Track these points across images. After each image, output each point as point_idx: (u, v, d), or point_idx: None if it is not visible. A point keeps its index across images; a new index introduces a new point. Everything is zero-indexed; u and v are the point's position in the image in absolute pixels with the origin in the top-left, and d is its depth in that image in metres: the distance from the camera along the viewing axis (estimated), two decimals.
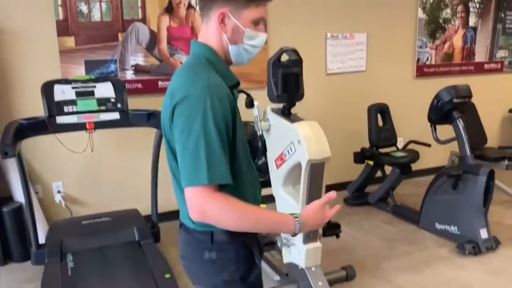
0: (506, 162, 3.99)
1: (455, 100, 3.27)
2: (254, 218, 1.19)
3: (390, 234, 3.55)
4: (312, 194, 2.50)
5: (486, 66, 5.10)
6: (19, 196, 3.17)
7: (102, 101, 2.93)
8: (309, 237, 2.58)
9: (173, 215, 3.82)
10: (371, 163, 4.04)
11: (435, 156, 4.64)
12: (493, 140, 5.07)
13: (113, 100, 2.95)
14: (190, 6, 3.68)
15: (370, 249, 3.30)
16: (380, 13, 4.44)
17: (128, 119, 2.96)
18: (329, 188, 4.35)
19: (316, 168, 2.46)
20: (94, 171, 3.57)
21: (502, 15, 5.07)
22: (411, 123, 4.57)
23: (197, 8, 3.71)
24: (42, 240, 3.04)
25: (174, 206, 4.06)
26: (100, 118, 2.90)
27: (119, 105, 2.95)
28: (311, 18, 4.16)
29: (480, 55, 5.05)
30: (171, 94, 1.21)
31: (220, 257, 1.27)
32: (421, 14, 4.62)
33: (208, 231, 1.27)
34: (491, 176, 3.16)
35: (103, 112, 2.91)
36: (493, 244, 3.20)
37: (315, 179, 2.48)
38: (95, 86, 2.95)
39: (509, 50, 5.23)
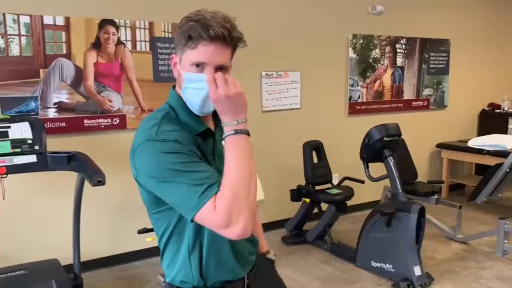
0: (436, 196, 4.11)
1: (385, 139, 3.34)
2: (246, 172, 1.14)
3: (327, 274, 3.50)
4: None
5: (413, 103, 5.35)
6: None
7: (17, 143, 2.68)
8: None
9: (97, 263, 3.57)
10: (308, 200, 4.01)
11: (369, 191, 4.71)
12: (422, 174, 5.26)
13: (29, 141, 2.70)
14: (119, 42, 3.55)
15: None
16: (314, 52, 4.54)
17: (46, 163, 2.72)
18: (267, 226, 4.30)
19: None
20: (7, 220, 3.25)
21: (426, 56, 5.37)
22: (345, 159, 4.64)
23: (128, 44, 3.59)
24: None
25: (100, 254, 3.80)
26: (14, 161, 2.63)
27: (36, 147, 2.71)
28: (246, 56, 4.15)
29: (408, 93, 5.29)
30: (133, 142, 1.23)
31: None
32: (352, 54, 4.78)
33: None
34: (422, 213, 3.22)
35: (18, 155, 2.65)
36: (427, 280, 3.23)
37: None
38: (9, 127, 2.70)
39: (433, 89, 5.53)
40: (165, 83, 3.76)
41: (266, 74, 4.26)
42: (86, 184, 2.84)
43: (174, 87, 1.31)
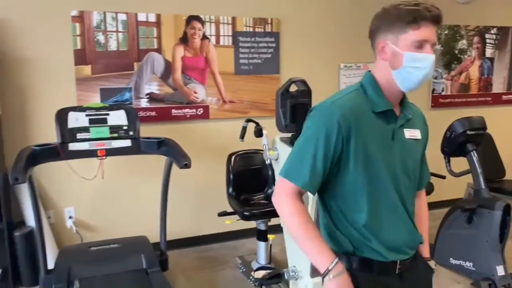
0: None
1: (468, 132, 3.22)
2: (302, 237, 1.29)
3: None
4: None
5: (504, 97, 5.03)
6: (31, 220, 3.21)
7: (115, 129, 2.98)
8: (316, 271, 2.53)
9: (182, 243, 3.84)
10: None
11: (451, 188, 4.53)
12: None
13: (125, 127, 3.00)
14: (204, 37, 3.76)
15: None
16: None
17: (139, 147, 3.00)
18: None
19: None
20: (104, 198, 3.61)
21: None
22: (427, 154, 4.49)
23: (212, 39, 3.79)
24: (51, 265, 3.06)
25: (183, 234, 4.08)
26: (112, 145, 2.94)
27: (131, 133, 3.00)
28: (324, 49, 4.20)
29: (498, 86, 4.99)
30: None
31: None
32: (436, 45, 4.61)
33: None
34: (507, 210, 3.06)
35: (115, 140, 2.95)
36: (511, 282, 3.08)
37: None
38: (108, 114, 3.01)
39: None
40: (245, 75, 3.93)
41: (345, 66, 4.26)
42: (173, 169, 3.08)
43: (369, 71, 1.43)
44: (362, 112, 1.32)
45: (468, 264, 3.20)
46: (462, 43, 4.74)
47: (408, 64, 1.29)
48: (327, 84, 4.20)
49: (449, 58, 4.69)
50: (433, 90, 4.68)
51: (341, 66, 4.25)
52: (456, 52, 4.73)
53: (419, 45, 1.28)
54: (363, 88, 1.37)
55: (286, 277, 2.65)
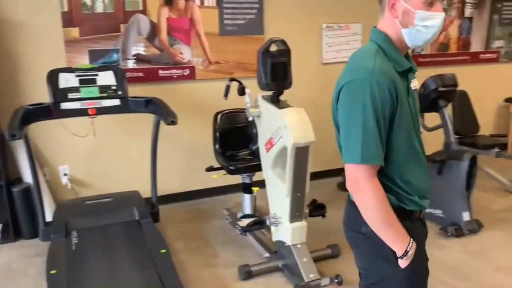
0: (496, 149, 4.10)
1: (440, 89, 3.40)
2: (381, 221, 1.32)
3: None
4: (298, 176, 2.67)
5: (481, 56, 5.19)
6: (28, 177, 3.39)
7: (104, 89, 3.12)
8: (294, 216, 2.76)
9: (172, 198, 4.05)
10: None
11: (429, 144, 4.75)
12: (487, 128, 5.17)
13: (114, 87, 3.14)
14: None
15: None
16: (375, 4, 4.54)
17: (127, 106, 3.15)
18: (323, 173, 4.54)
19: (301, 152, 2.62)
20: (97, 155, 3.78)
21: (499, 5, 5.14)
22: None
23: (196, 0, 3.87)
24: (49, 218, 3.26)
25: (173, 189, 4.28)
26: (102, 104, 3.09)
27: (119, 92, 3.14)
28: (307, 9, 4.29)
29: (476, 45, 5.14)
30: (339, 78, 1.36)
31: (375, 234, 1.35)
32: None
33: None
34: (473, 161, 3.30)
35: (105, 99, 3.10)
36: (476, 226, 3.35)
37: (300, 161, 2.65)
38: (97, 75, 3.14)
39: (506, 40, 5.31)
40: (230, 36, 4.04)
41: (327, 26, 4.38)
42: (163, 127, 3.25)
43: (375, 27, 1.42)
44: (394, 74, 1.31)
45: (438, 212, 3.46)
46: (443, 3, 4.84)
47: (419, 22, 1.29)
48: (310, 44, 4.33)
49: None
50: (413, 50, 4.82)
51: (323, 27, 4.36)
52: None
53: (430, 3, 1.28)
54: (382, 49, 1.35)
55: (267, 223, 2.89)
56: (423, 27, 1.30)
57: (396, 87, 1.29)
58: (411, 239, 1.35)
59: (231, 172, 3.39)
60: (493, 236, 3.34)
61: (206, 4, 3.93)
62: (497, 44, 5.26)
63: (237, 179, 3.68)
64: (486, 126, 5.17)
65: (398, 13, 1.32)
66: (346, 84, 1.30)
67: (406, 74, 1.37)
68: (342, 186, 4.37)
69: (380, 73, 1.27)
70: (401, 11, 1.31)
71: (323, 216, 3.04)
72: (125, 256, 2.81)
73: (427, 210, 3.52)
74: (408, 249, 1.33)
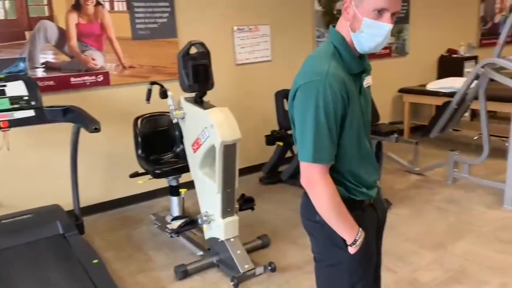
0: (395, 135, 4.56)
1: None
2: (333, 214, 1.42)
3: (299, 205, 3.95)
4: (227, 173, 2.78)
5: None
6: None
7: (15, 100, 2.95)
8: (227, 212, 2.87)
9: (96, 208, 3.93)
10: (281, 144, 4.43)
11: None
12: (385, 117, 5.71)
13: (26, 98, 2.99)
14: (98, 3, 3.75)
15: (282, 220, 3.68)
16: (281, 7, 4.82)
17: (44, 116, 3.01)
18: (247, 170, 4.70)
19: (229, 149, 2.74)
20: (12, 170, 3.55)
21: None
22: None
23: (106, 5, 3.80)
24: None
25: (97, 199, 4.15)
26: (14, 116, 2.92)
27: (33, 103, 3.00)
28: (218, 12, 4.42)
29: None
30: (296, 77, 1.42)
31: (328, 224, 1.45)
32: (317, 7, 5.08)
33: None
34: (379, 147, 3.67)
35: (17, 111, 2.94)
36: (386, 205, 3.72)
37: (229, 159, 2.76)
38: (5, 85, 2.96)
39: (395, 37, 5.91)
40: (143, 40, 4.02)
41: (238, 29, 4.54)
42: (80, 136, 3.16)
43: (333, 26, 1.46)
44: (346, 77, 1.38)
45: None
46: (340, 4, 5.26)
47: (365, 29, 1.33)
48: (223, 46, 4.46)
49: (329, 19, 5.20)
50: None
51: (234, 29, 4.52)
52: (335, 12, 5.24)
53: (379, 13, 1.31)
54: (337, 50, 1.40)
55: (199, 222, 2.96)
56: (368, 34, 1.35)
57: (348, 90, 1.37)
58: (360, 229, 1.47)
59: (157, 176, 3.40)
60: (400, 213, 3.74)
61: (116, 8, 3.87)
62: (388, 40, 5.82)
63: (162, 183, 3.69)
64: (385, 115, 5.72)
65: (349, 17, 1.37)
66: (302, 86, 1.37)
67: (360, 74, 1.46)
68: (263, 181, 4.56)
69: (333, 77, 1.33)
70: (352, 15, 1.36)
71: (252, 209, 3.19)
72: (55, 273, 2.70)
73: None
74: (357, 238, 1.45)
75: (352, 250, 1.47)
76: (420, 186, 4.31)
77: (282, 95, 4.42)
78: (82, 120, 3.00)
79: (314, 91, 1.33)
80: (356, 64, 1.43)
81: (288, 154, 4.58)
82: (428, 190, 4.19)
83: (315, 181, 1.40)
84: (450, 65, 6.38)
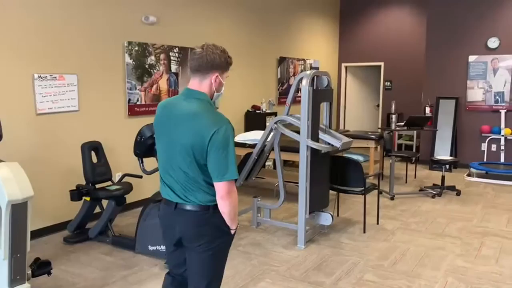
0: None
1: (155, 136, 3.77)
2: (236, 212, 2.08)
3: (108, 263, 3.76)
4: (16, 235, 2.50)
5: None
6: None
7: None
8: (15, 280, 2.55)
9: None
10: (88, 198, 4.19)
11: (150, 187, 5.14)
12: None
13: None
14: None
15: (89, 281, 3.42)
16: (91, 57, 4.71)
17: None
18: (48, 229, 4.30)
19: (18, 209, 2.48)
20: None
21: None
22: (126, 158, 4.96)
23: None
24: None
25: None
26: None
27: None
28: (16, 57, 4.08)
29: None
30: (204, 127, 1.97)
31: (222, 221, 2.08)
32: (128, 60, 5.12)
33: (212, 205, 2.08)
34: None
35: None
36: None
37: (19, 219, 2.50)
38: None
39: None
40: None
41: (39, 77, 4.25)
42: None
43: (189, 88, 2.09)
44: None
45: (163, 248, 3.77)
46: (151, 59, 5.42)
47: (221, 90, 2.15)
48: (20, 95, 4.08)
49: (141, 72, 5.29)
50: (129, 100, 5.18)
51: (35, 77, 4.21)
52: (147, 66, 5.37)
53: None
54: (210, 104, 2.08)
55: None
56: (221, 92, 2.16)
57: None
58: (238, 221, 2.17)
59: None
60: None
61: None
62: None
63: None
64: None
65: (216, 83, 2.10)
66: (218, 130, 1.97)
67: None
68: (69, 240, 4.21)
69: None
70: (218, 83, 2.11)
71: (49, 273, 2.90)
72: None
73: (153, 248, 3.80)
74: (237, 227, 2.15)
75: (233, 232, 2.15)
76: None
77: (89, 147, 4.24)
78: None
79: (230, 131, 2.00)
80: None
81: (97, 210, 4.35)
82: (236, 235, 4.43)
83: (233, 190, 2.03)
84: (254, 119, 7.08)
